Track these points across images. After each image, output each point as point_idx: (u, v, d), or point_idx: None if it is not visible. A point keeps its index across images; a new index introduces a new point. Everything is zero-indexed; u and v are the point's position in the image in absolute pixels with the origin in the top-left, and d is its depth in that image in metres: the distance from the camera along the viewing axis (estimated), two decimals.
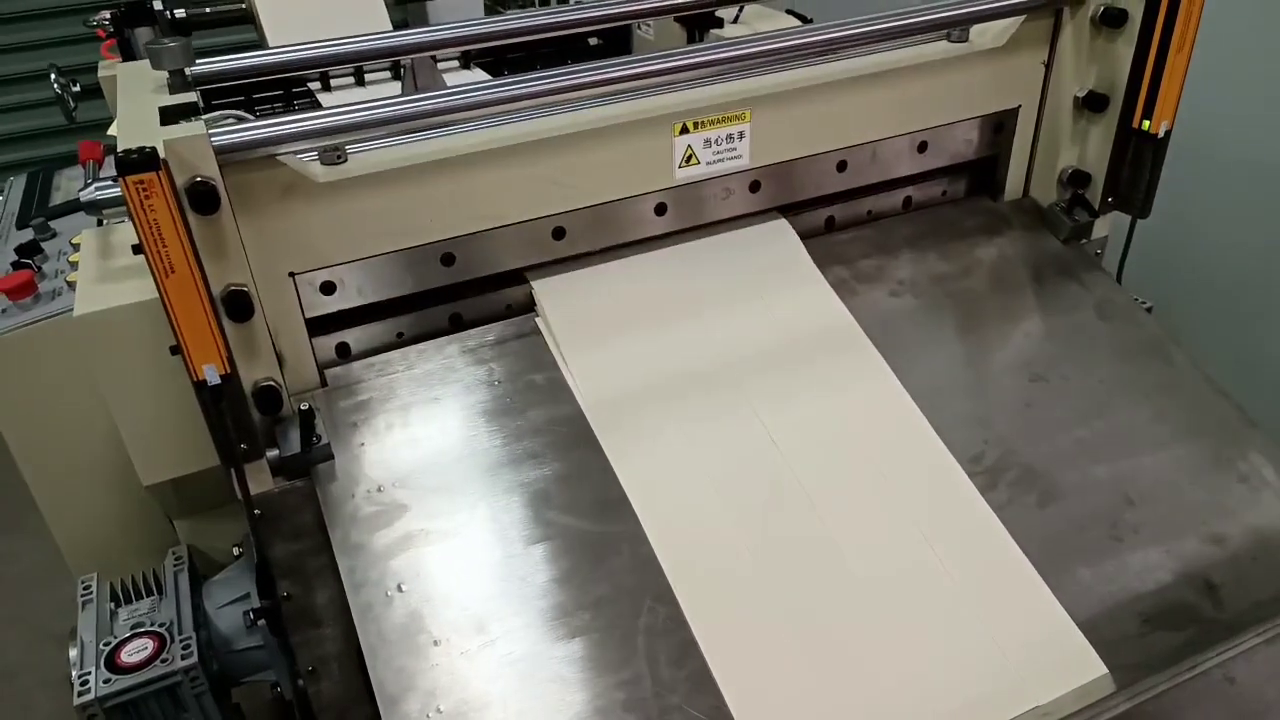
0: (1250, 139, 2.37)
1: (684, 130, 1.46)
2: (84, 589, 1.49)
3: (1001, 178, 1.79)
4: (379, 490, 1.28)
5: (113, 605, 1.48)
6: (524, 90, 1.31)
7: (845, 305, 1.56)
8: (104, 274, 1.34)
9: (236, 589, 1.52)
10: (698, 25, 2.57)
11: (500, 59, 2.57)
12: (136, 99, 1.24)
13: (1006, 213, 1.78)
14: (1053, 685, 1.19)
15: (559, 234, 1.46)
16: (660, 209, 1.52)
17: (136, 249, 1.02)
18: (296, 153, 1.22)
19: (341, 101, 2.25)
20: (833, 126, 1.57)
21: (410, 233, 1.35)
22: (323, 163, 1.29)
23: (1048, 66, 1.69)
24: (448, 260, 1.40)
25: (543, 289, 1.49)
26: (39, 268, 1.63)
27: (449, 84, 1.84)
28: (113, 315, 1.26)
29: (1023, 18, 1.62)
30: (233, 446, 1.18)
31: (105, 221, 1.75)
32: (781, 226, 1.64)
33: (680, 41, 2.63)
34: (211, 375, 1.10)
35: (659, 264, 1.56)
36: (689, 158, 1.48)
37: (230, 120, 1.22)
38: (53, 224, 1.80)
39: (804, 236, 1.64)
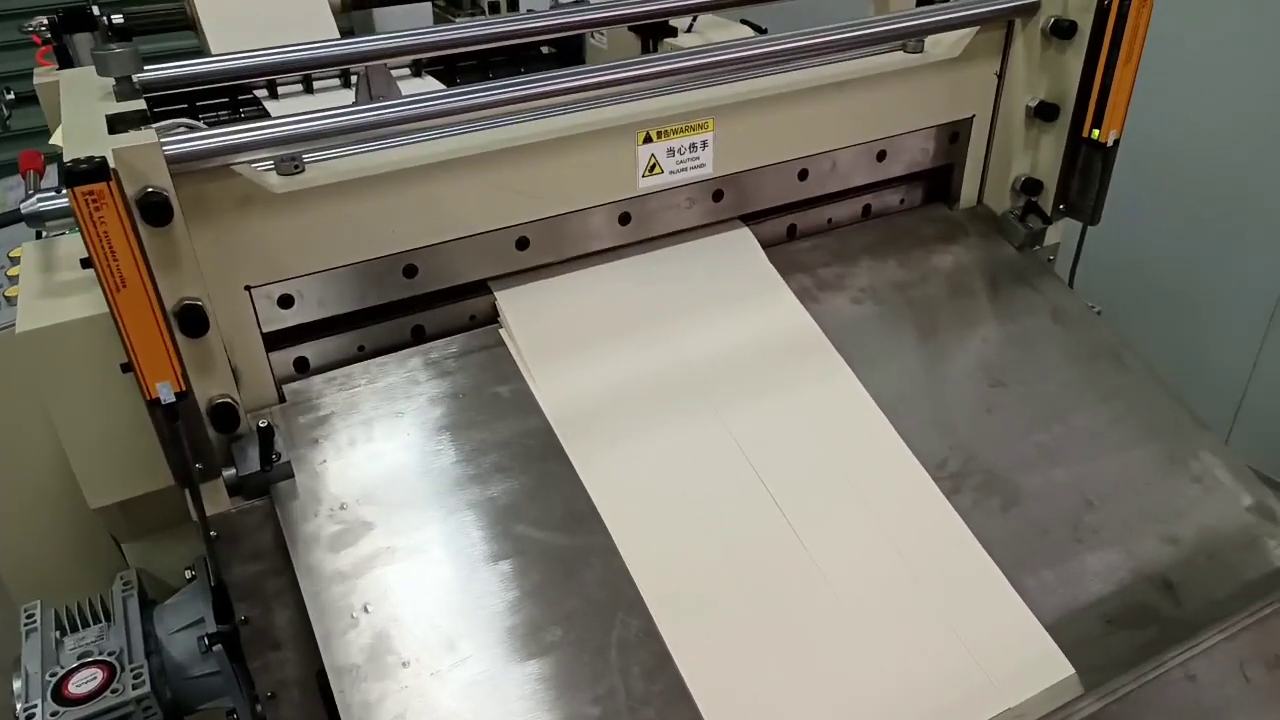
0: (1190, 147, 2.45)
1: (648, 139, 1.45)
2: (27, 617, 1.42)
3: (957, 186, 1.82)
4: (342, 508, 1.24)
5: (58, 634, 1.42)
6: (483, 99, 1.29)
7: (808, 313, 1.57)
8: (47, 288, 1.29)
9: (189, 613, 1.47)
10: (652, 34, 2.57)
11: (452, 67, 2.54)
12: (82, 107, 1.20)
13: (962, 220, 1.81)
14: (1023, 687, 1.20)
15: (522, 244, 1.45)
16: (624, 218, 1.51)
17: (85, 263, 0.98)
18: (252, 162, 1.18)
19: (289, 109, 2.21)
20: (794, 135, 1.58)
21: (371, 244, 1.32)
22: (279, 173, 1.26)
23: (1000, 76, 1.72)
24: (410, 272, 1.38)
25: (506, 300, 1.47)
26: None
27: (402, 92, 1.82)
28: (58, 331, 1.20)
29: (976, 29, 1.65)
30: (188, 466, 1.14)
31: (45, 234, 1.68)
32: (744, 235, 1.64)
33: (634, 50, 2.64)
34: (165, 393, 1.06)
35: (623, 273, 1.55)
36: (653, 167, 1.48)
37: (181, 129, 1.18)
38: None
39: (766, 245, 1.65)
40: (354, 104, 1.93)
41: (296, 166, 1.26)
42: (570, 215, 1.46)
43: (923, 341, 1.60)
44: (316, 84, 2.51)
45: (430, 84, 2.48)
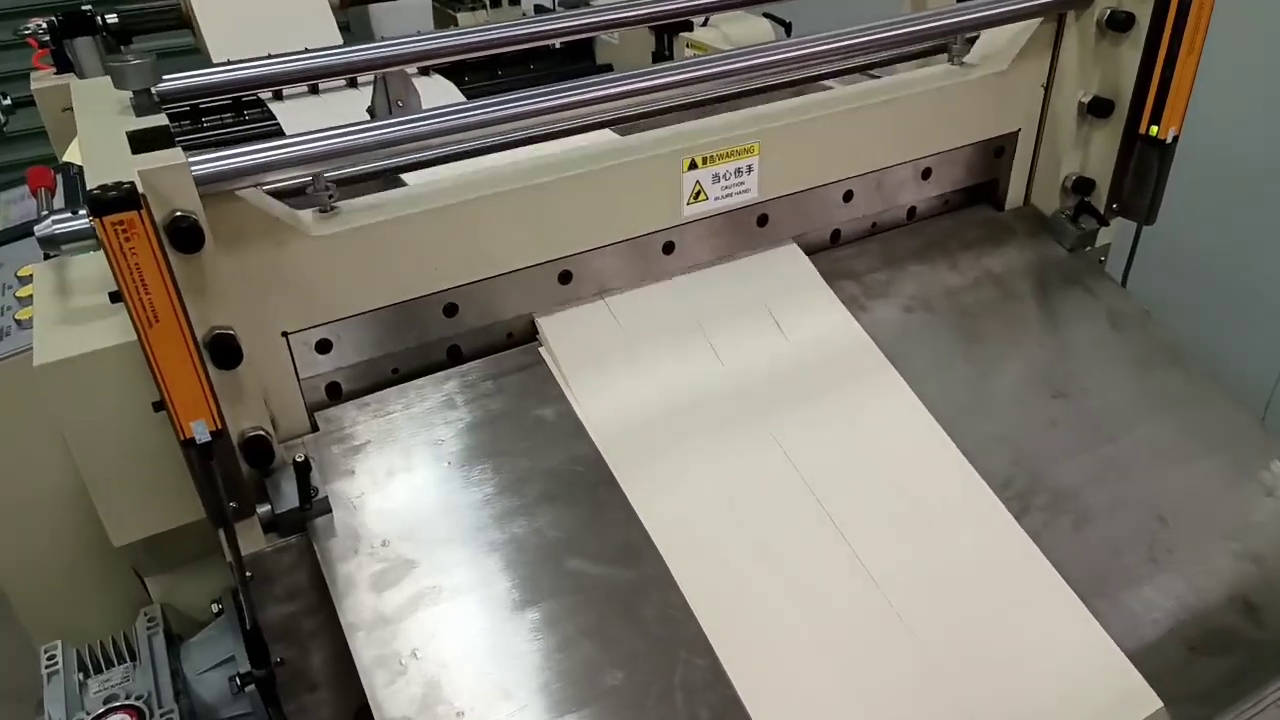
0: (1244, 142, 2.38)
1: (693, 165, 1.38)
2: (48, 659, 1.35)
3: (1003, 193, 1.74)
4: (383, 545, 1.17)
5: (81, 676, 1.35)
6: (519, 110, 1.22)
7: (859, 323, 1.50)
8: (64, 315, 1.21)
9: (218, 651, 1.40)
10: (668, 29, 2.50)
11: (460, 65, 2.46)
12: (100, 123, 1.12)
13: (1009, 222, 1.74)
14: None
15: (565, 278, 1.37)
16: (668, 248, 1.44)
17: (115, 296, 0.90)
18: (285, 181, 1.10)
19: (296, 112, 2.12)
20: (839, 156, 1.52)
21: (411, 285, 1.25)
22: (316, 213, 1.18)
23: (1047, 87, 1.65)
24: (450, 310, 1.31)
25: (547, 323, 1.40)
26: None
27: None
28: (79, 363, 1.13)
29: (1028, 34, 1.58)
30: (223, 507, 1.07)
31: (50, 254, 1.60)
32: (790, 249, 1.57)
33: (647, 45, 2.56)
34: (200, 432, 0.99)
35: (667, 290, 1.47)
36: (697, 194, 1.40)
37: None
38: None
39: (810, 251, 1.58)
40: (371, 109, 1.86)
41: (331, 205, 1.18)
42: (613, 247, 1.38)
43: (978, 351, 1.53)
44: (323, 86, 2.42)
45: (439, 82, 2.39)
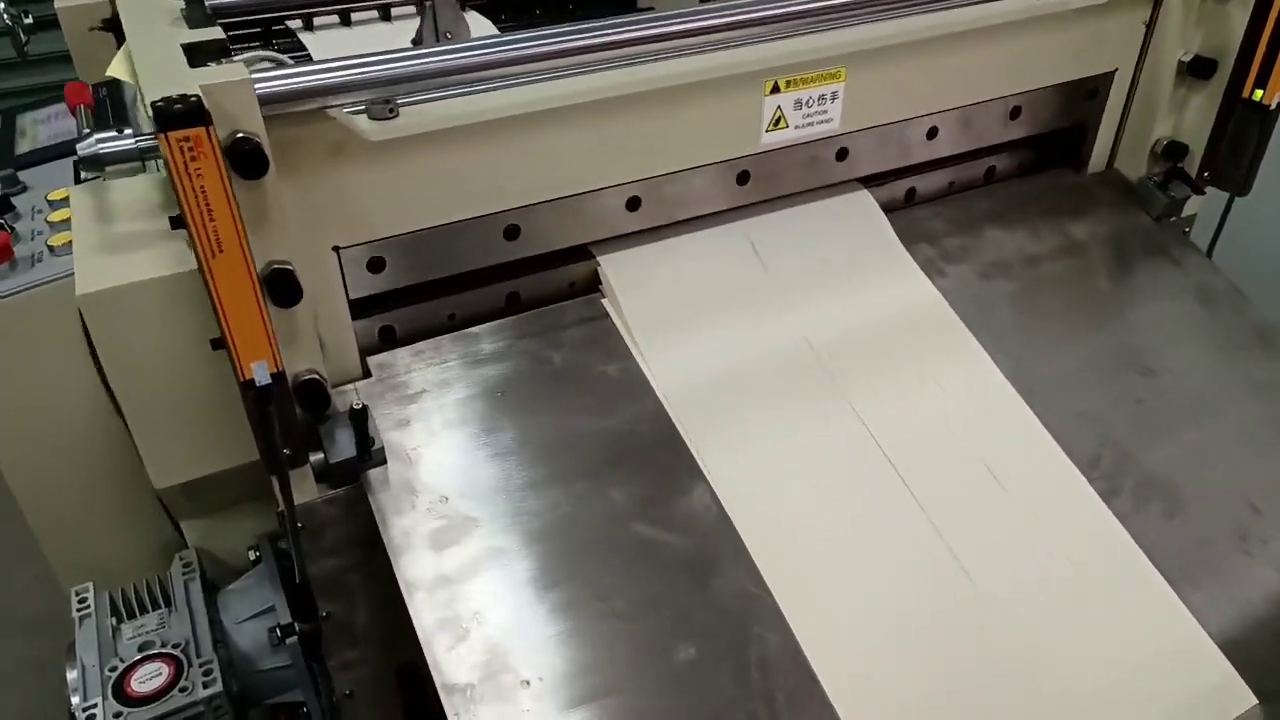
0: None
1: (775, 89, 1.28)
2: (80, 602, 1.29)
3: (1088, 149, 1.65)
4: (444, 501, 1.10)
5: (114, 621, 1.29)
6: (600, 40, 1.12)
7: (936, 289, 1.42)
8: (106, 242, 1.13)
9: (256, 600, 1.34)
10: None
11: (497, 2, 2.34)
12: (150, 33, 1.03)
13: (1091, 186, 1.65)
14: (1203, 718, 1.08)
15: (633, 204, 1.29)
16: (743, 178, 1.35)
17: (176, 221, 0.82)
18: (348, 106, 1.02)
19: (327, 43, 2.02)
20: (928, 88, 1.41)
21: (473, 201, 1.16)
22: (371, 116, 1.09)
23: (1149, 27, 1.54)
24: (512, 233, 1.22)
25: (611, 266, 1.32)
26: (12, 228, 1.40)
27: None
28: (125, 294, 1.05)
29: None
30: (279, 454, 1.00)
31: (85, 176, 1.52)
32: (864, 199, 1.48)
33: None
34: (261, 374, 0.91)
35: (734, 238, 1.39)
36: (777, 120, 1.31)
37: (264, 64, 1.02)
38: (21, 176, 1.56)
39: (884, 209, 1.49)
40: (417, 39, 1.76)
41: (390, 110, 1.10)
42: (685, 173, 1.29)
43: (1058, 322, 1.45)
44: (355, 17, 2.31)
45: (477, 20, 2.28)
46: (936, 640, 1.10)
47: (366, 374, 1.20)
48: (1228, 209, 1.62)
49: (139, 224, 1.17)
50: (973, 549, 1.16)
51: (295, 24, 2.22)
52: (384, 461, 1.11)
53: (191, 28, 1.03)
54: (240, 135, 0.88)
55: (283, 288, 0.96)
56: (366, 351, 1.20)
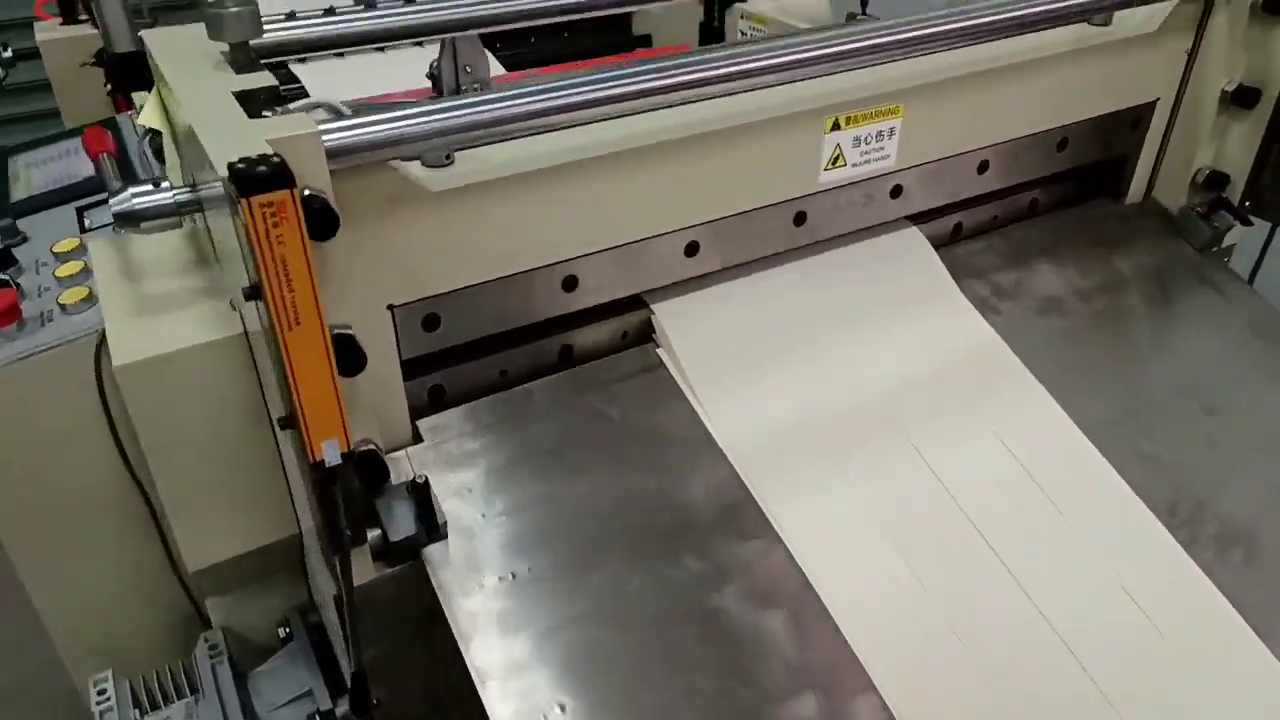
0: None
1: (835, 126, 1.23)
2: (99, 694, 1.19)
3: (1127, 178, 1.62)
4: (512, 578, 1.03)
5: (137, 714, 1.19)
6: (667, 81, 1.06)
7: (992, 327, 1.37)
8: (138, 304, 1.04)
9: (292, 683, 1.25)
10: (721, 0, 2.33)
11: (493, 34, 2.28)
12: (195, 80, 0.95)
13: (1133, 217, 1.62)
14: None
15: (692, 250, 1.22)
16: (799, 218, 1.29)
17: (252, 293, 0.74)
18: (413, 155, 0.94)
19: (321, 74, 1.94)
20: (980, 121, 1.38)
21: (533, 251, 1.09)
22: (426, 163, 1.02)
23: (1191, 55, 1.52)
24: (570, 284, 1.15)
25: (665, 315, 1.25)
26: (17, 284, 1.29)
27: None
28: (167, 363, 0.96)
29: (1169, 8, 1.45)
30: (342, 535, 0.91)
31: (89, 224, 1.43)
32: (913, 236, 1.43)
33: (693, 15, 2.39)
34: (332, 453, 0.83)
35: (787, 282, 1.33)
36: (836, 159, 1.26)
37: (320, 111, 0.94)
38: (20, 225, 1.45)
39: (933, 244, 1.45)
40: (434, 74, 1.69)
41: (448, 157, 1.03)
42: (743, 216, 1.24)
43: (1117, 360, 1.41)
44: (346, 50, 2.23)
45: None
46: (1022, 691, 1.04)
47: (417, 438, 1.12)
48: (1269, 239, 1.60)
49: (171, 281, 1.09)
50: (1056, 601, 1.11)
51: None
52: (444, 536, 1.03)
53: (238, 72, 0.95)
54: (308, 194, 0.81)
55: (347, 355, 0.88)
56: (417, 414, 1.12)
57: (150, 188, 0.97)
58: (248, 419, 1.05)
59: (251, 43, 1.02)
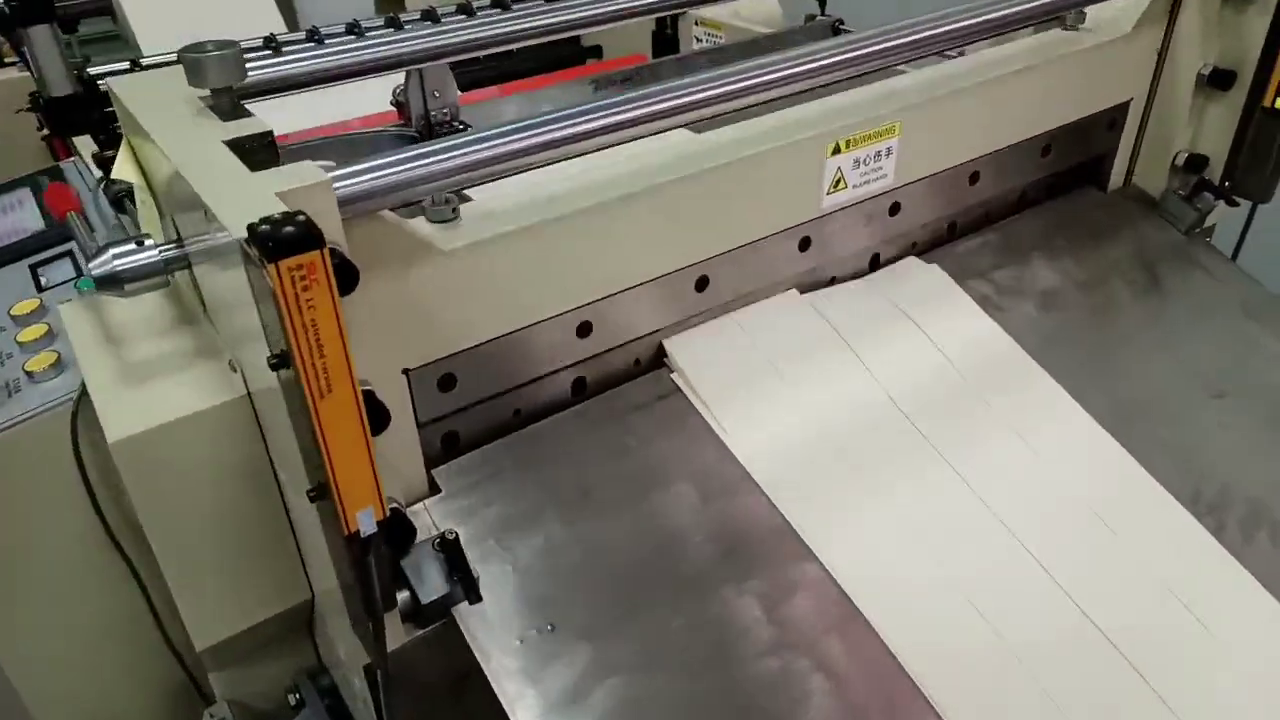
0: None
1: (836, 150, 1.21)
2: None
3: (1108, 169, 1.63)
4: (550, 629, 0.98)
5: None
6: (686, 99, 1.03)
7: (1000, 327, 1.36)
8: (125, 371, 0.97)
9: None
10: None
11: None
12: (179, 129, 0.88)
13: (1118, 203, 1.63)
14: None
15: (702, 284, 1.19)
16: (804, 244, 1.27)
17: (279, 362, 0.68)
18: (431, 196, 0.89)
19: (266, 109, 1.88)
20: (972, 134, 1.38)
21: (548, 301, 1.05)
22: (431, 219, 0.97)
23: (1161, 53, 1.53)
24: (584, 331, 1.10)
25: (676, 347, 1.21)
26: None
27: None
28: (166, 435, 0.89)
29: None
30: (377, 605, 0.85)
31: (46, 282, 1.34)
32: (911, 261, 1.42)
33: (644, 26, 2.35)
34: (367, 523, 0.77)
35: (794, 301, 1.30)
36: (837, 182, 1.24)
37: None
38: None
39: (930, 246, 1.43)
40: (400, 101, 1.62)
41: (454, 211, 0.97)
42: (750, 246, 1.20)
43: (1122, 350, 1.41)
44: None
45: None
46: (1073, 689, 1.02)
47: (434, 488, 1.06)
48: (1250, 218, 1.62)
49: (157, 344, 1.01)
50: (1099, 601, 1.09)
51: None
52: (481, 599, 0.97)
53: (224, 119, 0.89)
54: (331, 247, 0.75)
55: (375, 414, 0.82)
56: (431, 462, 1.07)
57: (133, 246, 0.90)
58: (252, 484, 0.98)
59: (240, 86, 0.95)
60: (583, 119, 0.94)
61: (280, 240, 0.62)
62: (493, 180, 0.93)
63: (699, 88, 1.02)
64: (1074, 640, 1.07)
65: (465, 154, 0.87)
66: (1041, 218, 1.56)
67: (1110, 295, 1.47)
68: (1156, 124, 1.59)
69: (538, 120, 0.93)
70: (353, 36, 2.26)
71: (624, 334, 1.14)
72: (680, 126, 1.03)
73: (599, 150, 0.98)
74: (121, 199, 1.35)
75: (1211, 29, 1.50)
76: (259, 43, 2.06)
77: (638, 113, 0.97)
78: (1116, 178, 1.65)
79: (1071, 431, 1.27)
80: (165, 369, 0.95)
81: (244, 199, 0.72)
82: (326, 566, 0.89)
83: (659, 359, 1.23)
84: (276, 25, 2.58)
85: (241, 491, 0.96)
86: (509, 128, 0.91)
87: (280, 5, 4.42)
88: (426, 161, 0.85)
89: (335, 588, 0.90)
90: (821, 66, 1.16)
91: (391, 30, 1.34)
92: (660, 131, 1.01)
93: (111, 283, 0.90)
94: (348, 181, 0.80)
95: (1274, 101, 1.49)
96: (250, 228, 0.64)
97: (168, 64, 1.85)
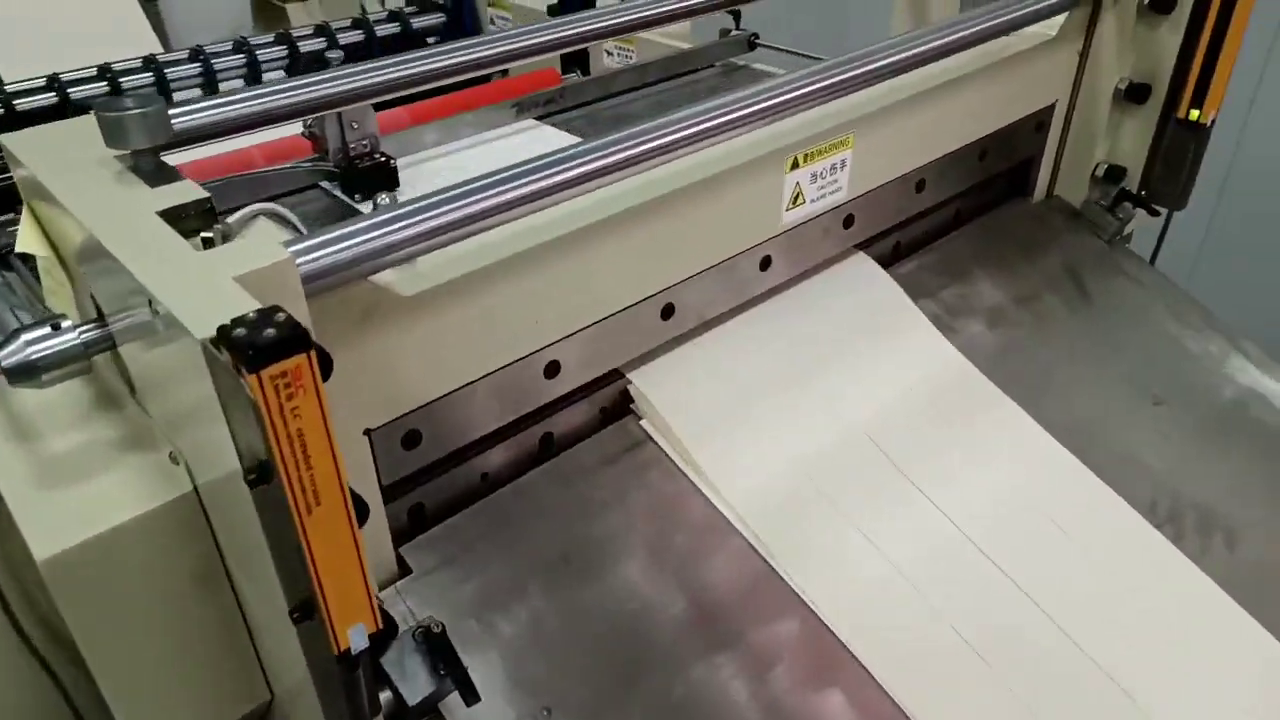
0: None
1: (794, 165, 1.18)
2: None
3: (1033, 178, 1.66)
4: (546, 715, 0.91)
5: None
6: (668, 137, 0.98)
7: (955, 349, 1.36)
8: (43, 472, 0.84)
9: None
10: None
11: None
12: (100, 199, 0.77)
13: (1045, 214, 1.66)
14: None
15: (667, 313, 1.14)
16: (765, 262, 1.23)
17: (258, 477, 0.59)
18: (399, 262, 0.81)
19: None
20: (918, 143, 1.37)
21: (512, 343, 0.97)
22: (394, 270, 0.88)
23: (1082, 61, 1.57)
24: (552, 371, 1.04)
25: (643, 383, 1.16)
26: None
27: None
28: (101, 546, 0.78)
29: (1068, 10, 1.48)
30: (361, 712, 0.77)
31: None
32: (863, 262, 1.41)
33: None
34: (359, 640, 0.69)
35: (755, 327, 1.27)
36: (796, 197, 1.21)
37: (270, 224, 0.79)
38: None
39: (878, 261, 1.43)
40: (313, 133, 1.51)
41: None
42: (714, 269, 1.16)
43: (1067, 364, 1.43)
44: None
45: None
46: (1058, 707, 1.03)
47: (403, 569, 0.98)
48: (1167, 224, 1.68)
49: (76, 435, 0.89)
50: (1077, 617, 1.10)
51: None
52: (480, 699, 0.89)
53: (152, 185, 0.78)
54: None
55: (356, 509, 0.74)
56: (398, 539, 0.98)
57: (48, 330, 0.78)
58: (202, 586, 0.87)
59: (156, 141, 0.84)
60: (565, 167, 0.88)
61: (261, 347, 0.53)
62: (475, 235, 0.85)
63: (684, 124, 0.98)
64: (1055, 657, 1.07)
65: (441, 214, 0.79)
66: (977, 234, 1.58)
67: (1049, 308, 1.50)
68: (1077, 135, 1.63)
69: (518, 171, 0.86)
70: (242, 55, 2.09)
71: (592, 370, 1.08)
72: (664, 164, 0.98)
73: (580, 196, 0.91)
74: (5, 255, 1.21)
75: (1127, 44, 1.54)
76: (138, 63, 1.90)
77: (622, 155, 0.93)
78: (1040, 190, 1.68)
79: (1035, 452, 1.28)
80: (93, 465, 0.83)
81: (197, 286, 0.63)
82: (291, 666, 0.80)
83: (625, 405, 1.17)
84: (148, 41, 2.40)
85: (190, 596, 0.86)
86: (484, 183, 0.84)
87: (148, 13, 4.14)
88: (397, 227, 0.77)
89: (301, 688, 0.81)
90: (799, 96, 1.14)
91: (317, 71, 1.23)
92: (645, 171, 0.96)
93: (26, 373, 0.78)
94: (310, 256, 0.71)
95: (1187, 113, 1.54)
96: (222, 331, 0.55)
97: (37, 89, 1.72)
